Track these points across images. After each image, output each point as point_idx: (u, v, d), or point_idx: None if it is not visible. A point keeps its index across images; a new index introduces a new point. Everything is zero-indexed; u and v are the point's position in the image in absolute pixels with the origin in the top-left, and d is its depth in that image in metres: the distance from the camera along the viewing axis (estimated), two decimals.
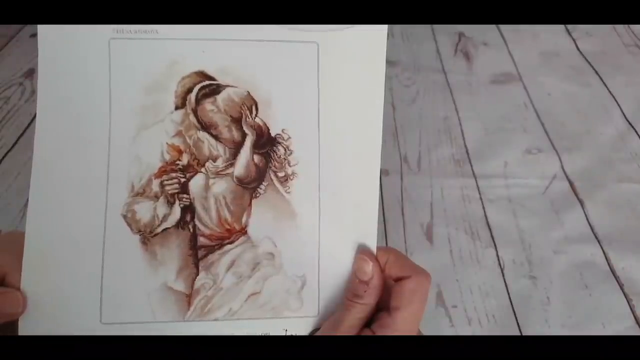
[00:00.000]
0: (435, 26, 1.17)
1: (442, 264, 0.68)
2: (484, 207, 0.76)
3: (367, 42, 0.34)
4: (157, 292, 0.34)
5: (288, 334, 0.35)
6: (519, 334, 0.60)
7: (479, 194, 0.78)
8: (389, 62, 1.06)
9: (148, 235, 0.34)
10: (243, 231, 0.35)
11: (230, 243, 0.35)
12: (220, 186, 0.34)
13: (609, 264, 0.69)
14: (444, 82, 1.02)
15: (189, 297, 0.34)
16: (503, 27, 1.16)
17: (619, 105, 0.96)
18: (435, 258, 0.69)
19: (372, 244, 0.35)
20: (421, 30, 1.16)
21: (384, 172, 0.81)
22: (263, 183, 0.35)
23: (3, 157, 0.83)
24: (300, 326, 0.35)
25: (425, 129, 0.90)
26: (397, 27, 1.16)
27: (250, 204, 0.35)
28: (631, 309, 0.64)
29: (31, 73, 0.99)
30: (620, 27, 1.17)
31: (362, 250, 0.35)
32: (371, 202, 0.35)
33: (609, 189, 0.80)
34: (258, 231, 0.35)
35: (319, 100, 0.34)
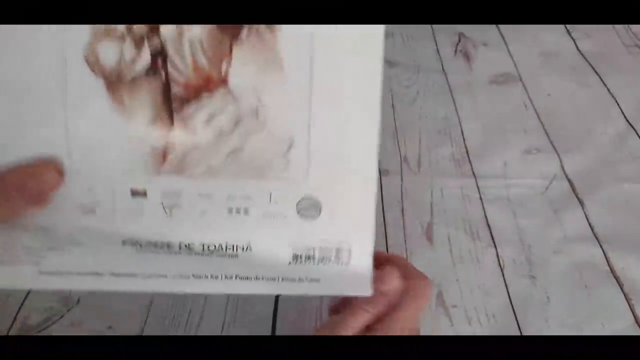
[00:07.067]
0: (435, 26, 1.17)
1: (442, 264, 0.68)
2: (483, 207, 0.76)
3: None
4: (128, 144, 0.31)
5: (273, 199, 0.33)
6: (519, 334, 0.60)
7: (479, 194, 0.78)
8: (389, 63, 1.06)
9: (115, 82, 0.30)
10: (223, 81, 0.31)
11: (209, 92, 0.31)
12: (196, 29, 0.31)
13: (609, 264, 0.69)
14: (443, 82, 1.01)
15: (163, 151, 0.31)
16: (503, 27, 1.16)
17: (619, 105, 0.96)
18: (435, 258, 0.69)
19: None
20: (421, 30, 1.16)
21: (384, 172, 0.81)
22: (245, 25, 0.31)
23: None
24: (286, 191, 0.33)
25: (425, 129, 0.90)
26: (397, 27, 1.16)
27: (231, 52, 0.31)
28: (631, 308, 0.63)
29: None
30: (620, 27, 1.17)
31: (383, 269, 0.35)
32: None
33: (609, 189, 0.79)
34: (240, 82, 0.31)
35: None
